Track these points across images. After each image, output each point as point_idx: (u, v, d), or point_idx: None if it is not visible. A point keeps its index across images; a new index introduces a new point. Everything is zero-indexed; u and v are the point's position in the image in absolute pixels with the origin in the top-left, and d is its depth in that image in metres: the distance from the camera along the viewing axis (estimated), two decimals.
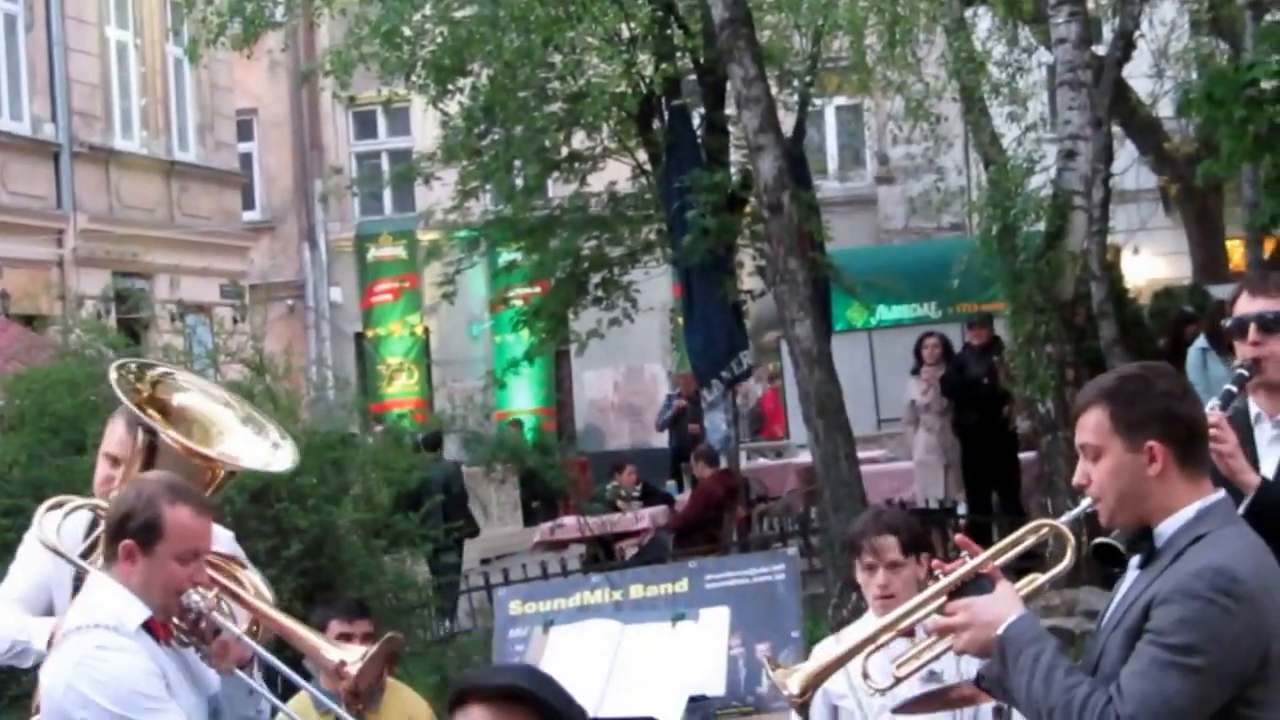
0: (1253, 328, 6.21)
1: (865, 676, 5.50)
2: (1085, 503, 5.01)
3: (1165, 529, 4.85)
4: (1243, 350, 6.29)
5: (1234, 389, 6.23)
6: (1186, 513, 4.83)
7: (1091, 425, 4.90)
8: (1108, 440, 4.86)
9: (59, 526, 6.89)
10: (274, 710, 6.97)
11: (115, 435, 7.30)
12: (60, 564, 6.91)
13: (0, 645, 6.75)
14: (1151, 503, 4.86)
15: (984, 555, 5.19)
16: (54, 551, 6.81)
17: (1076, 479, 5.01)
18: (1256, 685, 4.69)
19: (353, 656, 6.25)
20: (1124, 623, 4.82)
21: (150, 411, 7.11)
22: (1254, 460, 6.12)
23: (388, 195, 36.35)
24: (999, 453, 19.99)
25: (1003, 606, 4.95)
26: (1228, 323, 6.49)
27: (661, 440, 27.92)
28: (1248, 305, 6.36)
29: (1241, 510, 5.52)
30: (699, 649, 8.33)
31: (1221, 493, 4.99)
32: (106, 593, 5.79)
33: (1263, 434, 6.20)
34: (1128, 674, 4.66)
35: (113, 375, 7.32)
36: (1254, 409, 6.25)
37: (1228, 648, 4.60)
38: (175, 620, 5.82)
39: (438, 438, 25.71)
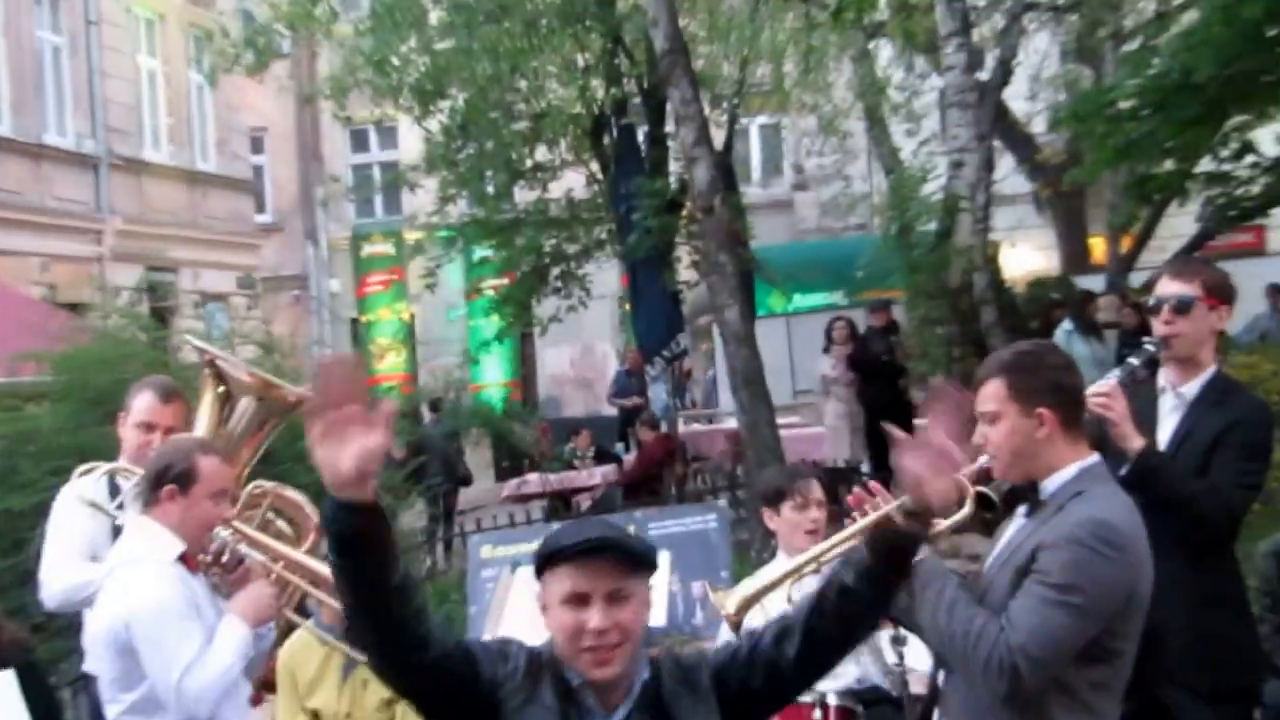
0: (1166, 308, 6.18)
1: (789, 601, 5.43)
2: (983, 459, 5.11)
3: (1050, 484, 4.98)
4: (1157, 328, 6.27)
5: (1135, 363, 6.22)
6: (1068, 471, 4.96)
7: (991, 394, 5.01)
8: (1005, 407, 4.98)
9: (93, 486, 7.14)
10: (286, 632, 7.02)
11: (145, 405, 7.29)
12: (98, 518, 6.96)
13: (86, 589, 6.54)
14: (1039, 461, 4.98)
15: (895, 503, 5.23)
16: (94, 507, 6.88)
17: (976, 439, 5.06)
18: (1122, 621, 4.83)
19: None
20: (1010, 562, 4.94)
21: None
22: (1154, 427, 6.13)
23: (378, 201, 36.23)
24: (898, 419, 19.87)
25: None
26: (1150, 301, 6.46)
27: (611, 409, 27.84)
28: (1165, 287, 6.32)
29: (1124, 472, 5.60)
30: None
31: (1098, 456, 5.09)
32: (147, 533, 6.03)
33: (1166, 404, 6.20)
34: (1017, 608, 4.78)
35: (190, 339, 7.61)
36: (1161, 381, 6.24)
37: (1104, 589, 4.73)
38: (202, 555, 6.11)
39: (439, 402, 26.55)
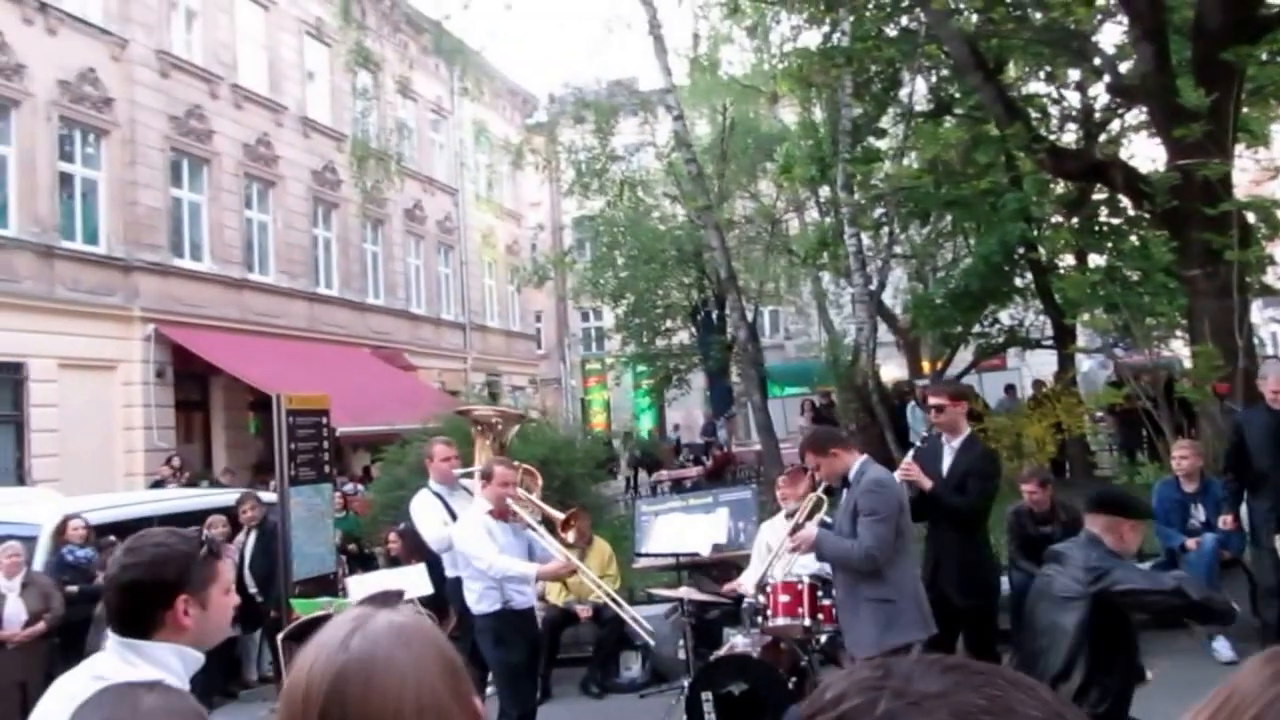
0: (932, 411, 6.16)
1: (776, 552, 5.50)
2: (820, 481, 5.48)
3: (851, 474, 5.18)
4: (930, 418, 6.22)
5: (920, 442, 6.20)
6: (855, 466, 5.20)
7: (809, 456, 5.34)
8: (815, 459, 5.28)
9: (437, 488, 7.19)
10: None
11: (444, 449, 7.27)
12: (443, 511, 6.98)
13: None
14: (839, 468, 5.20)
15: (802, 512, 5.62)
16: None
17: (810, 465, 5.41)
18: (902, 518, 5.08)
19: (563, 516, 6.48)
20: (847, 511, 5.16)
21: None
22: (940, 459, 5.95)
23: (593, 344, 36.47)
24: None
25: (812, 530, 5.27)
26: (928, 405, 6.48)
27: (700, 440, 27.52)
28: (931, 399, 6.33)
29: (911, 496, 5.52)
30: (717, 524, 8.34)
31: (866, 455, 5.31)
32: (478, 501, 6.12)
33: (946, 449, 5.98)
34: (860, 531, 5.02)
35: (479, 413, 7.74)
36: (943, 438, 6.01)
37: (889, 506, 5.02)
38: (501, 510, 6.02)
39: (633, 435, 26.82)
